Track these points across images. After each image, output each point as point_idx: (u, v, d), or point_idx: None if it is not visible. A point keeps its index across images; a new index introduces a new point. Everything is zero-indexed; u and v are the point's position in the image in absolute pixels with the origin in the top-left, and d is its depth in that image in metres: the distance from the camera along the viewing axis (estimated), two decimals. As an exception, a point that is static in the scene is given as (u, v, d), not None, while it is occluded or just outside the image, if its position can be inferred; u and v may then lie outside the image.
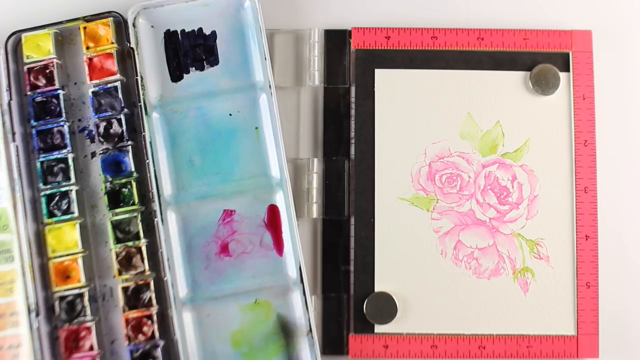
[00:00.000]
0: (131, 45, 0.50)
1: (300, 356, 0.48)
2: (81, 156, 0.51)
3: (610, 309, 0.51)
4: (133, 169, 0.50)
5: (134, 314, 0.48)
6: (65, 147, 0.49)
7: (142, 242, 0.49)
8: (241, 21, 0.51)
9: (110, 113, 0.50)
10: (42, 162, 0.49)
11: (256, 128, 0.50)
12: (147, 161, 0.49)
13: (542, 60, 0.53)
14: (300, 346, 0.48)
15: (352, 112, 0.52)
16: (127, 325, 0.48)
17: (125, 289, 0.48)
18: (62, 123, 0.50)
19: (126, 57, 0.51)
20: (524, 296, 0.51)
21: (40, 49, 0.50)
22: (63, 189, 0.49)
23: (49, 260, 0.49)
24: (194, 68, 0.51)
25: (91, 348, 0.48)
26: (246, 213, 0.50)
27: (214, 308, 0.49)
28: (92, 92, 0.50)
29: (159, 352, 0.48)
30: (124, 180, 0.49)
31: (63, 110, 0.50)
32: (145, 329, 0.48)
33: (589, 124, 0.52)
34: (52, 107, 0.50)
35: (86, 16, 0.51)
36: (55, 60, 0.50)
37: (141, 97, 0.50)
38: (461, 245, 0.51)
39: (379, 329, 0.51)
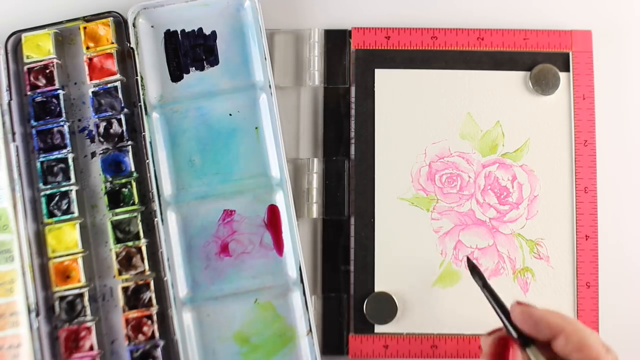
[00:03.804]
0: (131, 45, 0.50)
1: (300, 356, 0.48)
2: (81, 156, 0.51)
3: (610, 309, 0.51)
4: (133, 169, 0.50)
5: (134, 314, 0.48)
6: (65, 147, 0.49)
7: (142, 242, 0.49)
8: (241, 21, 0.51)
9: (110, 113, 0.50)
10: (42, 162, 0.49)
11: (256, 128, 0.50)
12: (147, 161, 0.49)
13: (542, 60, 0.53)
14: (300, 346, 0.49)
15: (352, 112, 0.52)
16: (127, 325, 0.48)
17: (125, 289, 0.48)
18: (62, 123, 0.50)
19: (126, 57, 0.51)
20: (524, 296, 0.51)
21: (40, 49, 0.50)
22: (63, 189, 0.49)
23: (49, 260, 0.49)
24: (194, 68, 0.51)
25: (91, 348, 0.48)
26: (246, 213, 0.50)
27: (214, 308, 0.49)
28: (92, 92, 0.50)
29: (159, 352, 0.48)
30: (124, 180, 0.49)
31: (63, 110, 0.50)
32: (145, 329, 0.48)
33: (589, 124, 0.52)
34: (52, 107, 0.50)
35: (86, 16, 0.51)
36: (55, 60, 0.50)
37: (141, 97, 0.50)
38: (461, 245, 0.51)
39: (379, 329, 0.51)
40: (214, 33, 0.51)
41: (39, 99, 0.50)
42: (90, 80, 0.50)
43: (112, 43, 0.50)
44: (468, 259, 0.47)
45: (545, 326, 0.40)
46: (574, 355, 0.38)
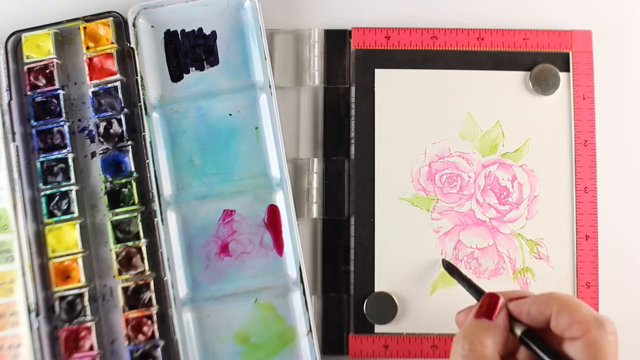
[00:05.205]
0: (131, 45, 0.50)
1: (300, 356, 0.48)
2: (81, 156, 0.51)
3: (610, 309, 0.51)
4: (133, 169, 0.50)
5: (134, 314, 0.48)
6: (65, 147, 0.49)
7: (142, 242, 0.49)
8: (241, 21, 0.51)
9: (110, 113, 0.50)
10: (42, 162, 0.49)
11: (256, 128, 0.50)
12: (147, 161, 0.49)
13: (542, 60, 0.53)
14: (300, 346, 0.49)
15: (352, 112, 0.52)
16: (127, 325, 0.48)
17: (125, 289, 0.48)
18: (62, 123, 0.50)
19: (126, 57, 0.51)
20: (524, 296, 0.51)
21: (40, 49, 0.50)
22: (63, 189, 0.49)
23: (49, 260, 0.49)
24: (194, 68, 0.51)
25: (91, 348, 0.48)
26: (246, 213, 0.50)
27: (214, 308, 0.49)
28: (92, 92, 0.50)
29: (159, 352, 0.48)
30: (124, 180, 0.49)
31: (63, 110, 0.50)
32: (145, 329, 0.48)
33: (589, 124, 0.52)
34: (52, 107, 0.50)
35: (86, 16, 0.51)
36: (55, 60, 0.50)
37: (141, 97, 0.50)
38: (461, 245, 0.51)
39: (379, 329, 0.51)
40: (214, 33, 0.51)
41: (39, 99, 0.50)
42: (90, 80, 0.50)
43: (112, 43, 0.50)
44: (443, 261, 0.47)
45: (537, 314, 0.40)
46: (565, 334, 0.38)
